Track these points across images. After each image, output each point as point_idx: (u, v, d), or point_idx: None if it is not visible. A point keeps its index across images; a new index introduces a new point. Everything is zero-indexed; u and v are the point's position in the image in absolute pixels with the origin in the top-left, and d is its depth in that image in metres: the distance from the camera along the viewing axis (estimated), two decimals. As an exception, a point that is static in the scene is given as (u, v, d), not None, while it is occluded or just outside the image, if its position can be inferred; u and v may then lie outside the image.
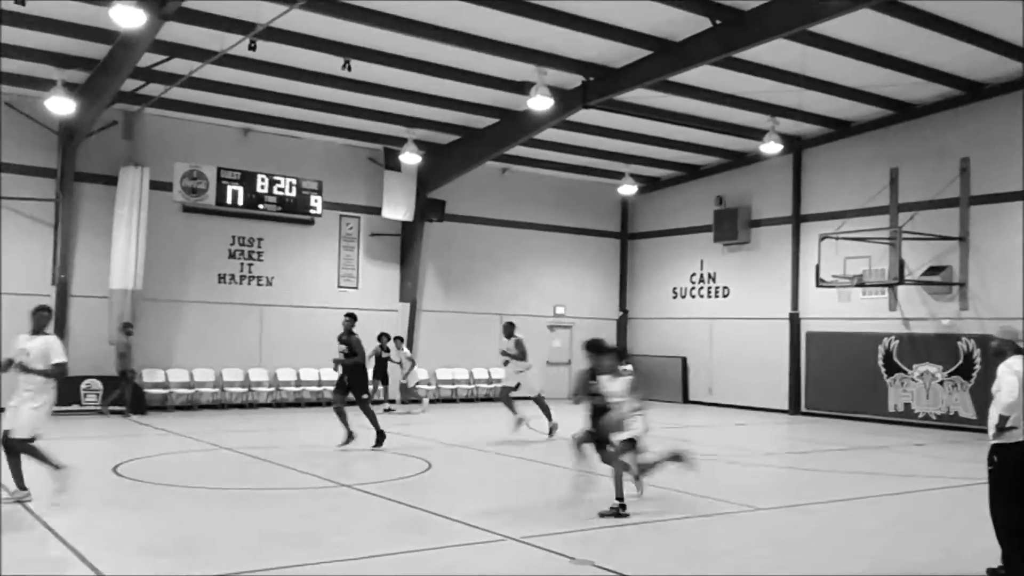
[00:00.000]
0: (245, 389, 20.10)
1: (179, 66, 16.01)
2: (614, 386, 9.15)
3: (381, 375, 20.38)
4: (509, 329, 15.92)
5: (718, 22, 14.49)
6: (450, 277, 23.73)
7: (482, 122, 20.65)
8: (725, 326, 23.79)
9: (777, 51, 15.40)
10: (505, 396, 15.69)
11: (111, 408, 18.00)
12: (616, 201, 26.14)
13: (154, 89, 17.23)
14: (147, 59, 15.61)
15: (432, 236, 23.01)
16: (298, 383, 20.87)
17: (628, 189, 24.53)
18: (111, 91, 16.66)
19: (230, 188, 19.76)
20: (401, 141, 20.84)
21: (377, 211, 22.14)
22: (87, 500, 9.04)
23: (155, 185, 18.84)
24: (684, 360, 24.75)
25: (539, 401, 15.50)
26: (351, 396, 13.66)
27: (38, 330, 8.97)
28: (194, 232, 20.01)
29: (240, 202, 19.90)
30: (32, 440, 8.76)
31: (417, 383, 21.00)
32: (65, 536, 7.51)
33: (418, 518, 8.75)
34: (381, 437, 13.55)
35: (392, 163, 21.81)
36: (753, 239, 23.26)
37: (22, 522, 8.03)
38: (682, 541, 8.17)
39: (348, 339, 13.78)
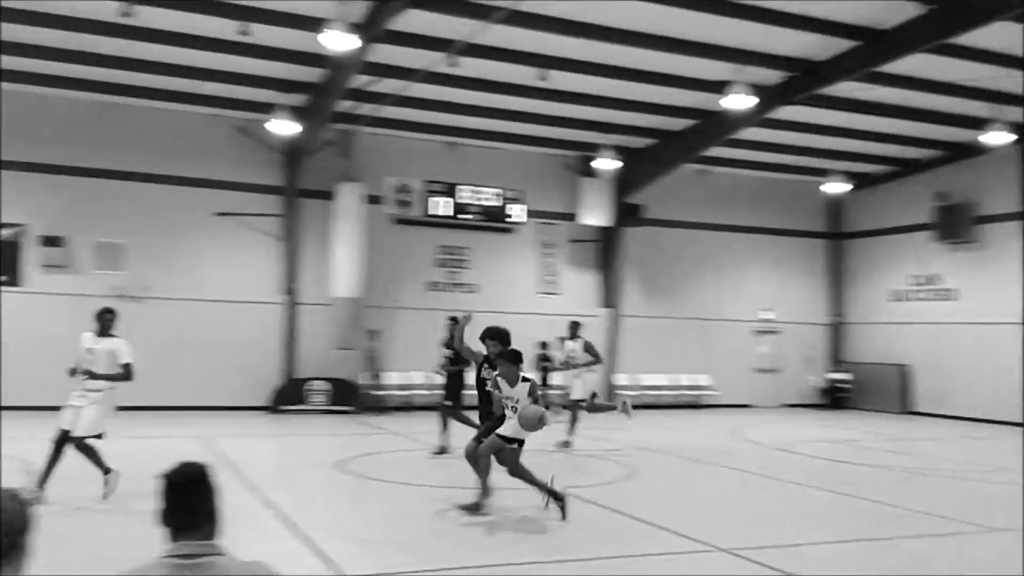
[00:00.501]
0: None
1: (388, 86, 16.90)
2: (513, 391, 8.70)
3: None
4: (574, 329, 14.75)
5: (934, 7, 13.54)
6: (651, 282, 23.55)
7: (679, 124, 20.37)
8: (952, 331, 22.06)
9: (997, 34, 14.15)
10: (592, 405, 14.43)
11: (370, 409, 19.38)
12: (821, 200, 24.95)
13: (366, 109, 18.27)
14: (359, 80, 16.60)
15: (632, 241, 22.94)
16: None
17: (836, 187, 23.36)
18: (328, 112, 17.87)
19: (435, 200, 20.70)
20: (597, 147, 20.93)
21: (575, 218, 22.36)
22: (314, 493, 9.68)
23: (369, 199, 20.01)
24: (904, 368, 23.19)
25: (577, 407, 14.32)
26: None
27: (104, 332, 9.16)
28: (405, 242, 21.04)
29: (446, 213, 20.81)
30: (95, 437, 8.96)
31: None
32: (304, 530, 8.09)
33: (621, 523, 8.73)
34: (443, 450, 12.84)
35: (589, 170, 21.96)
36: (980, 237, 21.46)
37: (249, 511, 8.72)
38: (901, 561, 7.65)
39: (453, 344, 13.58)
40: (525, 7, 13.60)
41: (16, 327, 17.16)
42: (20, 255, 17.84)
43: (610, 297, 22.81)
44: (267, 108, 18.05)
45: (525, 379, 8.81)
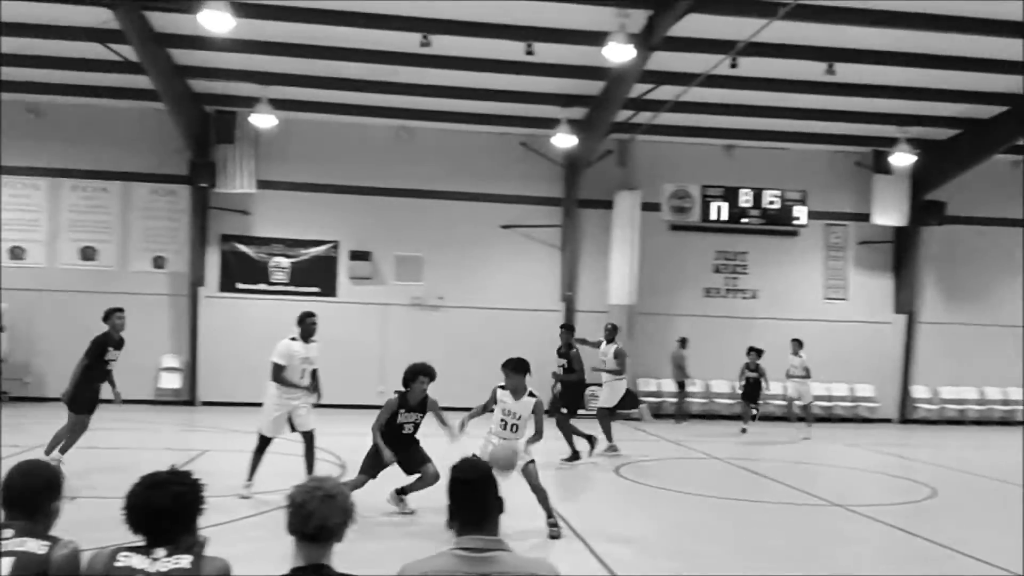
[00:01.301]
0: (732, 402, 20.35)
1: (665, 92, 16.88)
2: (517, 406, 8.10)
3: (752, 397, 17.90)
4: (611, 334, 14.10)
5: None
6: (953, 285, 21.51)
7: (988, 111, 18.46)
8: None
9: None
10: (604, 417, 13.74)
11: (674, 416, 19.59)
12: None
13: (643, 117, 18.38)
14: (636, 89, 16.74)
15: (931, 241, 21.11)
16: (785, 397, 20.47)
17: None
18: (607, 123, 18.20)
19: (714, 204, 20.35)
20: (891, 142, 19.49)
21: (866, 218, 20.97)
22: (589, 495, 9.89)
23: (646, 206, 20.09)
24: None
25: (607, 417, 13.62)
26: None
27: (308, 337, 9.44)
28: (681, 249, 20.88)
29: (724, 217, 20.39)
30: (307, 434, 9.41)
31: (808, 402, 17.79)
32: (579, 531, 8.32)
33: (921, 549, 8.08)
34: (576, 455, 12.65)
35: (882, 166, 20.50)
36: None
37: (529, 510, 9.06)
38: None
39: (567, 352, 13.35)
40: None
41: (330, 333, 19.08)
42: (334, 269, 19.88)
43: (905, 302, 21.13)
44: (549, 123, 18.72)
45: (532, 394, 8.30)
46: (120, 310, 10.30)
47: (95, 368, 9.89)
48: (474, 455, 3.27)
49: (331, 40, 15.61)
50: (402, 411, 8.72)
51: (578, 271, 20.60)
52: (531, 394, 8.32)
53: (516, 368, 8.42)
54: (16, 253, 19.05)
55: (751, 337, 20.87)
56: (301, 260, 19.79)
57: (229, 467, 9.84)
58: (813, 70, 15.91)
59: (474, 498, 3.03)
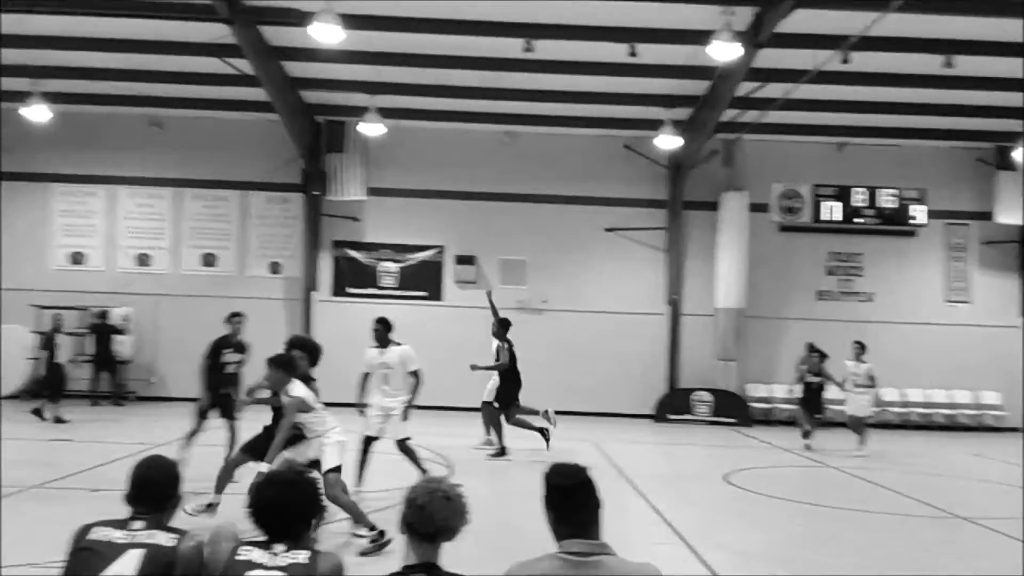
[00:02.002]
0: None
1: (773, 90, 16.51)
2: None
3: (813, 405, 15.36)
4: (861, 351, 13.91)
5: None
6: (1089, 287, 20.27)
7: None
8: None
9: None
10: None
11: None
12: None
13: (750, 115, 18.02)
14: (743, 88, 16.43)
15: (1061, 240, 19.96)
16: (904, 404, 19.76)
17: None
18: (712, 123, 17.92)
19: (826, 204, 19.72)
20: (1015, 136, 18.53)
21: (988, 216, 19.97)
22: (696, 501, 9.76)
23: (753, 207, 19.66)
24: None
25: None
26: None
27: (383, 342, 9.61)
28: (791, 250, 20.34)
29: (837, 217, 19.73)
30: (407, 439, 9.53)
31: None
32: (687, 537, 8.23)
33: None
34: (502, 451, 12.80)
35: (1005, 162, 19.49)
36: None
37: (635, 514, 9.00)
38: None
39: (499, 346, 13.42)
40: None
41: (436, 336, 19.43)
42: (440, 273, 20.20)
43: (1036, 305, 20.01)
44: (653, 124, 18.56)
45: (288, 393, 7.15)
46: (238, 314, 10.67)
47: (213, 369, 10.21)
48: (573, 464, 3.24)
49: (436, 48, 15.90)
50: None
51: (683, 274, 20.32)
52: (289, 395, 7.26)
53: (280, 364, 7.34)
54: (142, 260, 20.10)
55: (865, 342, 20.20)
56: (408, 265, 20.20)
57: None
58: (930, 64, 15.27)
59: (575, 504, 3.03)
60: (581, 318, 20.05)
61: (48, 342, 15.62)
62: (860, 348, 15.30)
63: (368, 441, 9.58)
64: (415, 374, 9.53)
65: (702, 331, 19.96)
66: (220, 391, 10.12)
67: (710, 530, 8.62)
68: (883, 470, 13.14)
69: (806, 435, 15.12)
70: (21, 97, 17.96)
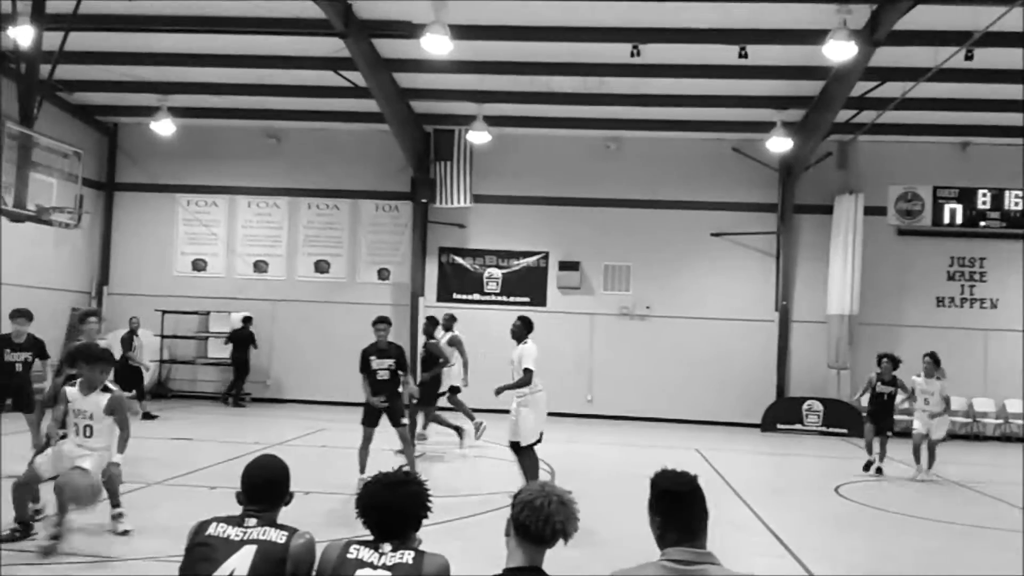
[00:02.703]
0: (969, 420, 18.80)
1: (891, 89, 15.93)
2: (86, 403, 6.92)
3: (884, 420, 13.20)
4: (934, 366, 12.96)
5: None
6: None
7: None
8: None
9: None
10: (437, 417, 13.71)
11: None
12: None
13: (866, 116, 17.43)
14: (859, 88, 15.91)
15: None
16: (1033, 417, 18.72)
17: None
18: (826, 125, 17.42)
19: (947, 207, 18.83)
20: None
21: None
22: (805, 513, 9.49)
23: (869, 211, 19.00)
24: None
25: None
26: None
27: (517, 340, 9.68)
28: (909, 255, 19.54)
29: (958, 221, 18.81)
30: (532, 445, 9.32)
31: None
32: (794, 550, 8.02)
33: None
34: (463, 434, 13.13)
35: None
36: None
37: (741, 525, 8.82)
38: None
39: (427, 343, 13.49)
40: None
41: (538, 342, 19.49)
42: (544, 279, 20.27)
43: None
44: (763, 127, 18.19)
45: (107, 388, 7.02)
46: (383, 321, 10.47)
47: (365, 379, 10.13)
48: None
49: (542, 56, 16.00)
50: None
51: (794, 279, 19.80)
52: (106, 388, 7.06)
53: (88, 358, 7.11)
54: (259, 266, 20.90)
55: (989, 350, 19.27)
56: (513, 271, 20.35)
57: (443, 469, 10.28)
58: (1062, 57, 14.46)
59: (685, 510, 2.99)
60: (686, 324, 19.78)
61: (127, 343, 15.95)
62: (933, 363, 12.99)
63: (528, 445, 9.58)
64: (526, 372, 9.56)
65: (813, 338, 19.41)
66: (379, 398, 10.04)
67: (818, 542, 8.39)
68: (1003, 483, 12.44)
69: (869, 466, 13.03)
70: (149, 112, 19.02)
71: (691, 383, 19.45)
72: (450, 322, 14.78)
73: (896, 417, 13.58)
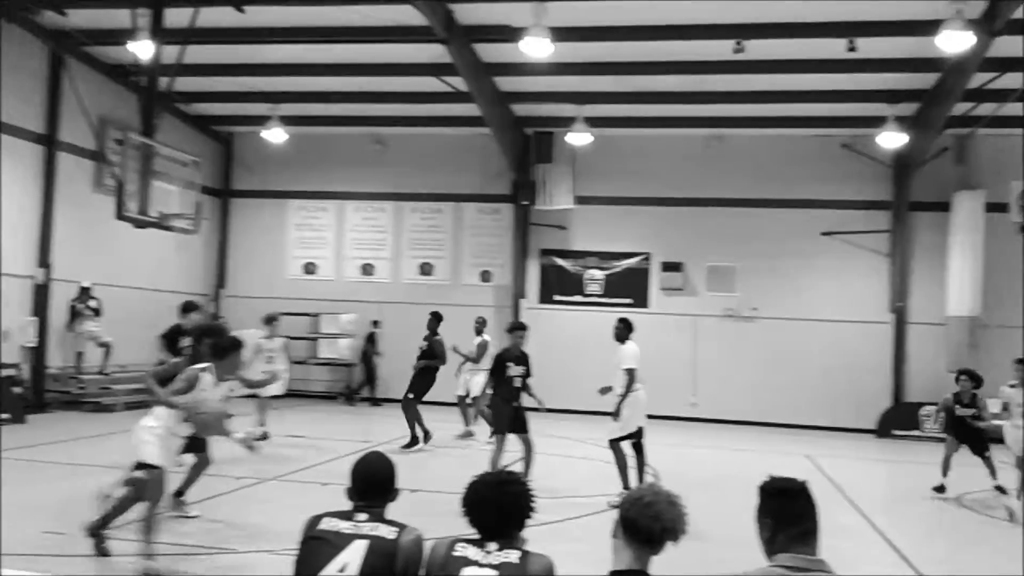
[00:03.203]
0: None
1: (1012, 80, 15.17)
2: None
3: (977, 443, 11.44)
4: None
5: None
6: None
7: None
8: None
9: None
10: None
11: None
12: None
13: (985, 108, 16.63)
14: (976, 79, 15.20)
15: None
16: None
17: None
18: (941, 118, 16.71)
19: (1077, 202, 17.79)
20: None
21: None
22: (923, 523, 9.09)
23: (991, 207, 18.09)
24: None
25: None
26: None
27: (620, 340, 9.72)
28: (1035, 254, 18.53)
29: (1090, 217, 17.75)
30: (620, 439, 9.43)
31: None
32: (913, 562, 7.73)
33: None
34: (414, 441, 13.01)
35: None
36: None
37: (854, 533, 8.52)
38: None
39: (430, 338, 13.58)
40: None
41: (641, 343, 19.32)
42: (646, 280, 20.08)
43: None
44: (873, 122, 17.55)
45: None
46: (520, 327, 10.32)
47: (500, 385, 9.94)
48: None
49: (643, 55, 15.87)
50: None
51: (909, 280, 19.04)
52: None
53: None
54: (366, 269, 21.42)
55: None
56: (614, 272, 20.22)
57: (546, 471, 10.29)
58: None
59: (796, 512, 2.92)
60: (794, 326, 19.27)
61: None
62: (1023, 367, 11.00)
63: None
64: (628, 372, 9.58)
65: (931, 341, 18.61)
66: (512, 404, 9.89)
67: (936, 555, 8.04)
68: None
69: (942, 489, 11.27)
70: (261, 121, 19.74)
71: (800, 386, 18.93)
72: (482, 326, 15.03)
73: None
